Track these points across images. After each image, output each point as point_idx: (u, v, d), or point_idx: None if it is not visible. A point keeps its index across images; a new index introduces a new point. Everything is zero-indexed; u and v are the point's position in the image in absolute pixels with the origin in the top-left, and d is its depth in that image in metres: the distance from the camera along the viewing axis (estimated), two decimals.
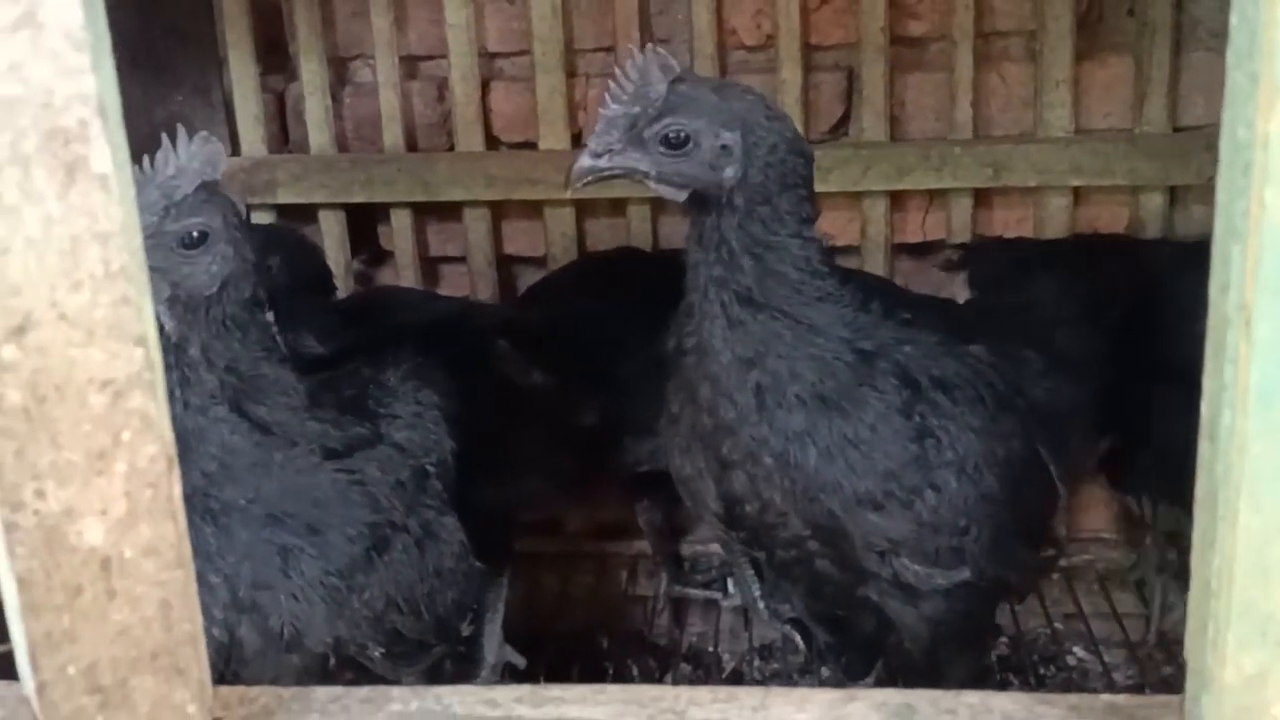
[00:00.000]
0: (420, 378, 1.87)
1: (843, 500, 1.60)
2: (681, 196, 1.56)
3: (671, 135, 1.50)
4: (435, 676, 1.75)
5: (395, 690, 1.04)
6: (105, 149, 0.81)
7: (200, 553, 1.50)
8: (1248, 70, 0.78)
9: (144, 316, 0.85)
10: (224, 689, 1.02)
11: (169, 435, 0.88)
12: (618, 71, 1.50)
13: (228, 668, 1.58)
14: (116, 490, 0.85)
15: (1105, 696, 0.93)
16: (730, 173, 1.51)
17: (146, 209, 1.47)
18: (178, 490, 0.90)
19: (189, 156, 1.52)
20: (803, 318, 1.57)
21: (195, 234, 1.51)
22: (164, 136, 1.49)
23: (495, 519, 1.92)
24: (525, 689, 1.03)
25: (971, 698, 0.96)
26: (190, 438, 1.54)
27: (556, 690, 1.03)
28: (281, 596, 1.56)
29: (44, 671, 0.86)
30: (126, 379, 0.84)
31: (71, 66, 0.79)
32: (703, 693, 1.01)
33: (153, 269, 1.47)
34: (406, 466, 1.72)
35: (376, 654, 1.67)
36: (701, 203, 1.55)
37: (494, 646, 2.09)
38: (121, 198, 0.83)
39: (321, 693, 1.04)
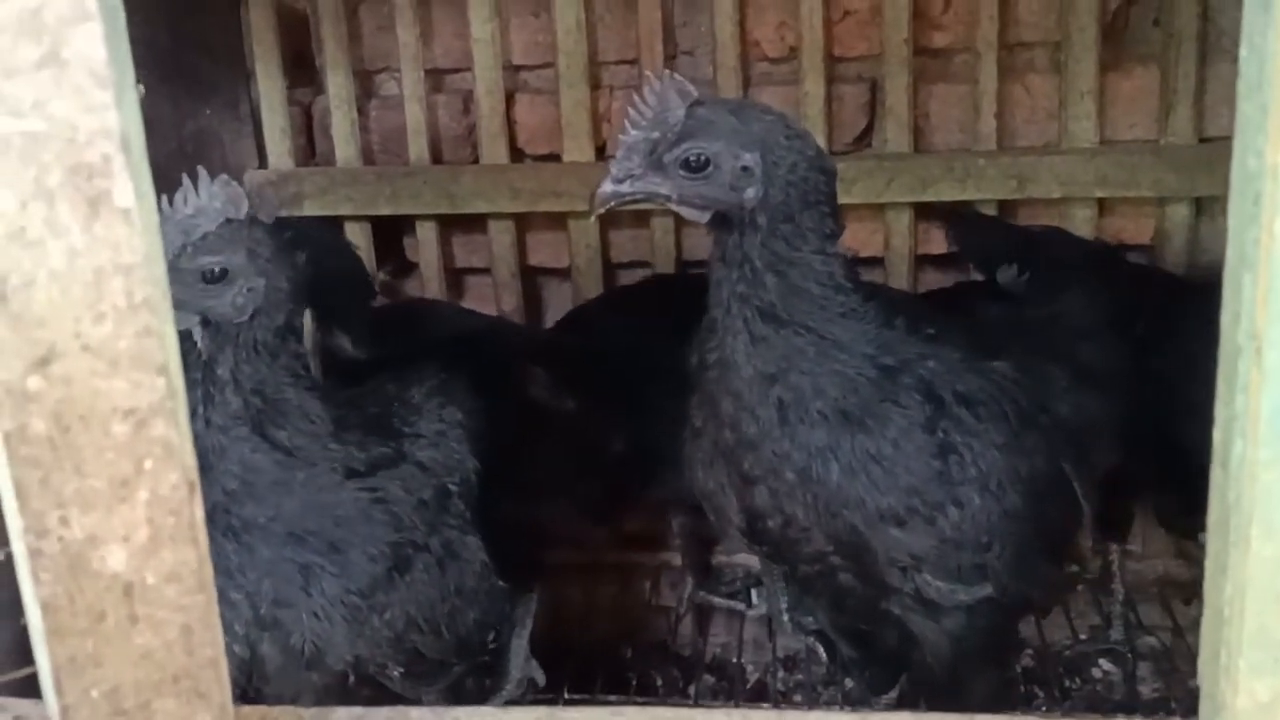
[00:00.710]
0: (445, 394, 1.88)
1: (865, 516, 1.61)
2: (704, 218, 1.57)
3: (691, 159, 1.51)
4: (456, 693, 1.76)
5: (414, 711, 1.05)
6: (128, 183, 0.83)
7: (221, 570, 1.53)
8: (1257, 102, 0.78)
9: (166, 346, 0.87)
10: (245, 709, 1.03)
11: (191, 462, 0.90)
12: (636, 98, 1.51)
13: (249, 684, 1.60)
14: (139, 517, 0.87)
15: (1120, 718, 0.93)
16: (751, 193, 1.52)
17: (164, 246, 1.50)
18: (199, 515, 0.92)
19: (209, 197, 1.55)
20: (826, 333, 1.58)
21: (216, 270, 1.55)
22: (185, 178, 1.53)
23: (522, 536, 1.93)
24: (542, 710, 1.04)
25: None
26: (211, 455, 1.57)
27: (573, 712, 1.04)
28: (303, 614, 1.58)
29: (68, 695, 0.88)
30: (149, 408, 0.86)
31: (95, 103, 0.81)
32: (717, 713, 1.02)
33: (178, 301, 1.52)
34: (429, 486, 1.73)
35: (396, 673, 1.68)
36: (724, 222, 1.56)
37: (520, 662, 2.10)
38: (144, 230, 0.85)
39: (341, 713, 1.05)
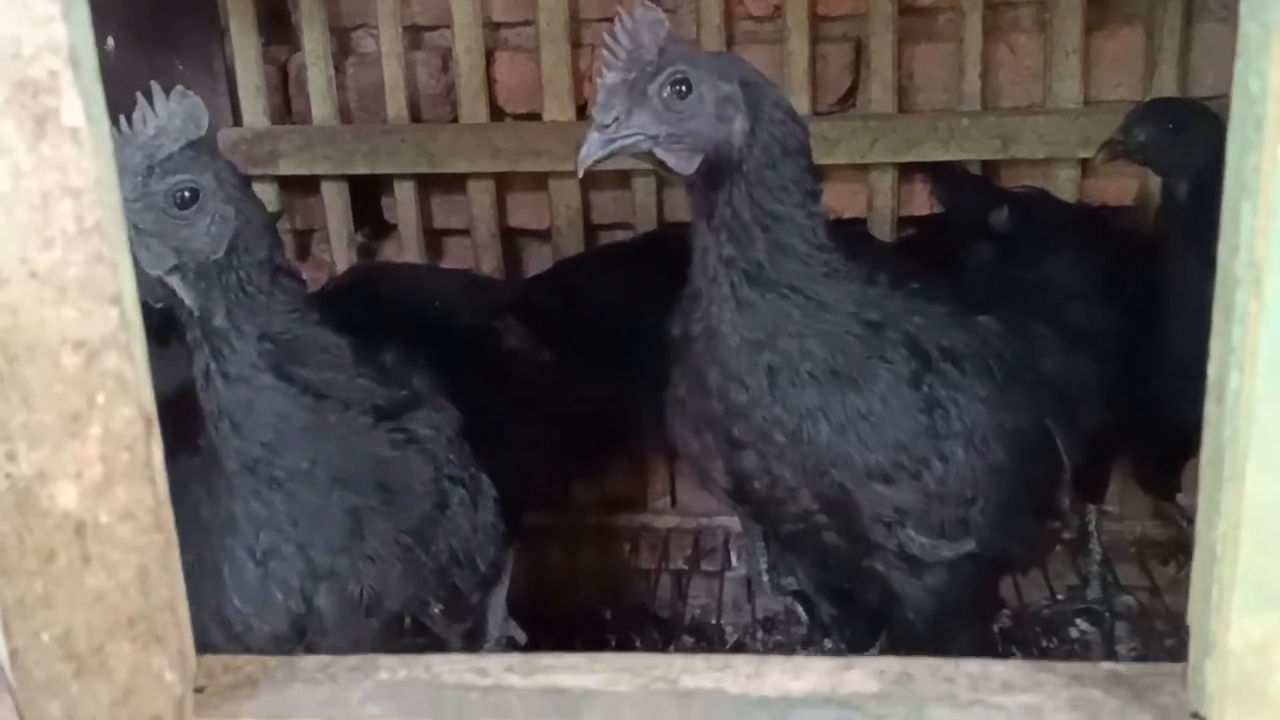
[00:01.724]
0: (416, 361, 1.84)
1: (853, 473, 1.59)
2: (692, 165, 1.52)
3: (676, 83, 1.47)
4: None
5: (383, 659, 1.02)
6: (77, 101, 0.79)
7: (271, 524, 1.51)
8: (1261, 20, 0.75)
9: (119, 275, 0.83)
10: (208, 658, 1.00)
11: (147, 397, 0.86)
12: (608, 39, 1.47)
13: (301, 641, 1.56)
14: (91, 453, 0.83)
15: (1107, 665, 0.91)
16: (739, 124, 1.49)
17: (129, 170, 1.44)
18: (157, 454, 0.88)
19: (169, 115, 1.47)
20: (811, 294, 1.56)
21: (186, 193, 1.46)
22: (139, 96, 1.45)
23: (502, 492, 1.91)
24: (516, 658, 1.01)
25: (971, 666, 0.94)
26: (239, 411, 1.51)
27: (548, 659, 1.01)
28: (358, 561, 1.54)
29: (17, 637, 0.84)
30: (101, 339, 0.82)
31: (40, 14, 0.77)
32: (698, 661, 0.99)
33: (151, 235, 1.46)
34: (450, 424, 1.70)
35: (437, 610, 1.66)
36: (710, 176, 1.52)
37: (498, 621, 2.08)
38: (95, 152, 0.81)
39: (309, 661, 1.02)
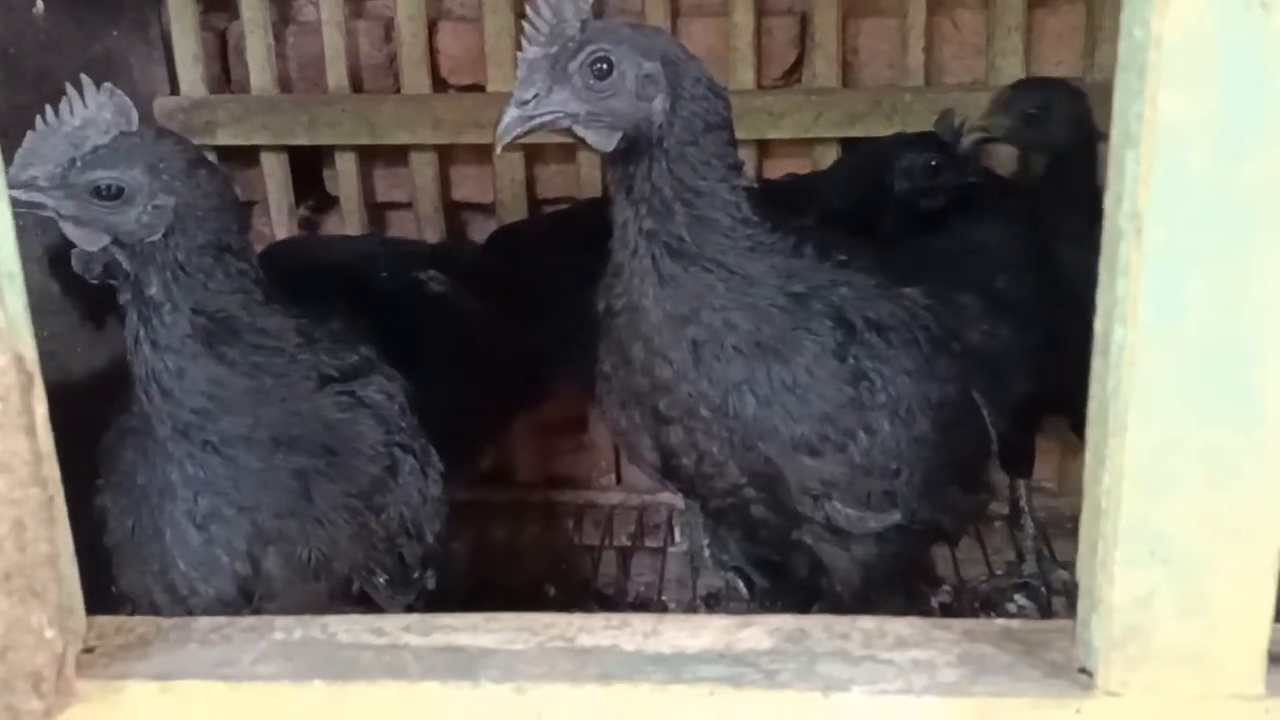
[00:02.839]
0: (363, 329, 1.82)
1: (779, 446, 1.58)
2: (612, 142, 1.50)
3: (596, 63, 1.45)
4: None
5: (279, 620, 1.01)
6: None
7: (212, 488, 1.51)
8: None
9: None
10: (100, 619, 0.98)
11: (25, 348, 0.84)
12: (530, 12, 1.45)
13: (249, 604, 1.55)
14: None
15: (1000, 621, 0.91)
16: (659, 103, 1.47)
17: (50, 159, 1.45)
18: (39, 408, 0.86)
19: (98, 107, 1.47)
20: (736, 268, 1.54)
21: (111, 187, 1.46)
22: (68, 87, 1.45)
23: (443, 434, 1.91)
24: (414, 618, 1.00)
25: (867, 623, 0.94)
26: (167, 377, 1.50)
27: (446, 619, 1.00)
28: (306, 523, 1.53)
29: None
30: None
31: None
32: (595, 619, 0.99)
33: (78, 219, 1.47)
34: (402, 390, 1.69)
35: (381, 580, 1.66)
36: (629, 153, 1.51)
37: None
38: None
39: (203, 623, 1.01)
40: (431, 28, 2.59)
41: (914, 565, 1.84)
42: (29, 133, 1.47)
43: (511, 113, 1.46)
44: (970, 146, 2.15)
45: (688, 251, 1.52)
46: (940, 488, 1.68)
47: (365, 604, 1.68)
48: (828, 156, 2.51)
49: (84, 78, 1.48)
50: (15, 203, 0.93)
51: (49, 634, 0.86)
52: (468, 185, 2.71)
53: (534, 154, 2.62)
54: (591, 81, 1.46)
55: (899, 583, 1.77)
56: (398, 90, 2.64)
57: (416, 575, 1.73)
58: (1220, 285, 0.79)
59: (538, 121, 1.47)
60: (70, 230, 1.49)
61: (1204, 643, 0.82)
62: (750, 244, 1.55)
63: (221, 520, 1.52)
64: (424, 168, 2.64)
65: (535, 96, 1.46)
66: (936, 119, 2.17)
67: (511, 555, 2.65)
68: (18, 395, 0.82)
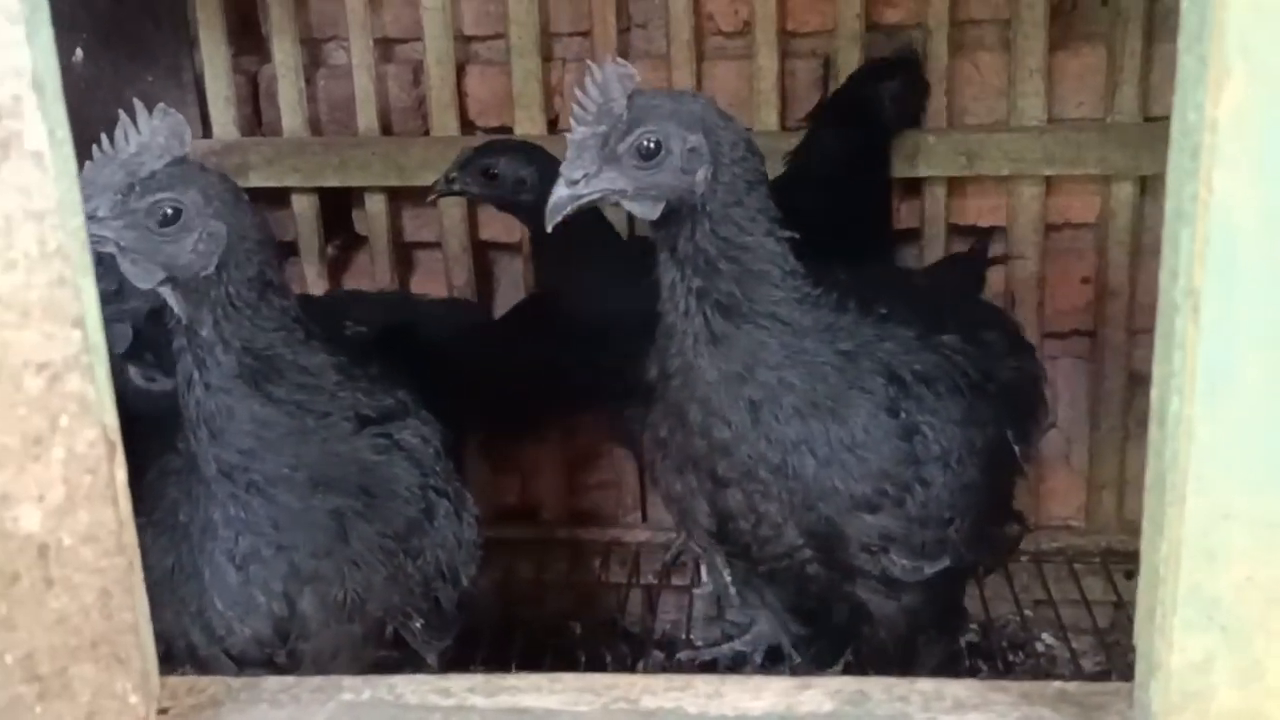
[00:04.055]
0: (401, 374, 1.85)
1: (839, 505, 1.61)
2: (657, 211, 1.53)
3: (644, 146, 1.48)
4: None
5: (347, 680, 1.03)
6: (40, 125, 0.79)
7: (251, 528, 1.53)
8: (1197, 53, 0.78)
9: (82, 298, 0.83)
10: (172, 679, 1.00)
11: (110, 419, 0.87)
12: (578, 93, 1.49)
13: (285, 645, 1.57)
14: (54, 476, 0.84)
15: (1056, 684, 0.93)
16: (702, 175, 1.50)
17: (109, 188, 1.44)
18: (121, 476, 0.89)
19: (151, 132, 1.46)
20: (789, 320, 1.56)
21: (168, 210, 1.46)
22: (122, 114, 1.45)
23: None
24: (479, 678, 1.02)
25: (925, 685, 0.96)
26: (219, 418, 1.52)
27: (511, 679, 1.02)
28: (343, 564, 1.55)
29: None
30: (64, 361, 0.83)
31: (4, 39, 0.78)
32: (658, 681, 1.00)
33: (135, 252, 1.47)
34: (438, 435, 1.72)
35: (418, 624, 1.67)
36: (673, 214, 1.54)
37: None
38: (58, 175, 0.81)
39: (272, 682, 1.03)
40: (459, 71, 2.63)
41: (954, 606, 1.85)
42: (86, 163, 1.46)
43: (562, 191, 1.50)
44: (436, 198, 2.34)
45: (739, 308, 1.55)
46: (985, 530, 1.71)
47: (400, 647, 1.70)
48: None
49: (136, 102, 1.48)
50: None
51: (133, 699, 0.88)
52: (495, 225, 2.73)
53: None
54: (639, 161, 1.49)
55: (942, 626, 1.79)
56: (426, 133, 2.67)
57: (452, 620, 1.75)
58: (1273, 359, 0.81)
59: (587, 200, 1.52)
60: (127, 267, 1.48)
61: (1263, 707, 0.84)
62: (799, 295, 1.58)
63: (259, 560, 1.54)
64: (452, 208, 2.67)
65: (585, 176, 1.49)
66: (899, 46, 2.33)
67: (538, 592, 2.66)
68: (106, 467, 0.85)
